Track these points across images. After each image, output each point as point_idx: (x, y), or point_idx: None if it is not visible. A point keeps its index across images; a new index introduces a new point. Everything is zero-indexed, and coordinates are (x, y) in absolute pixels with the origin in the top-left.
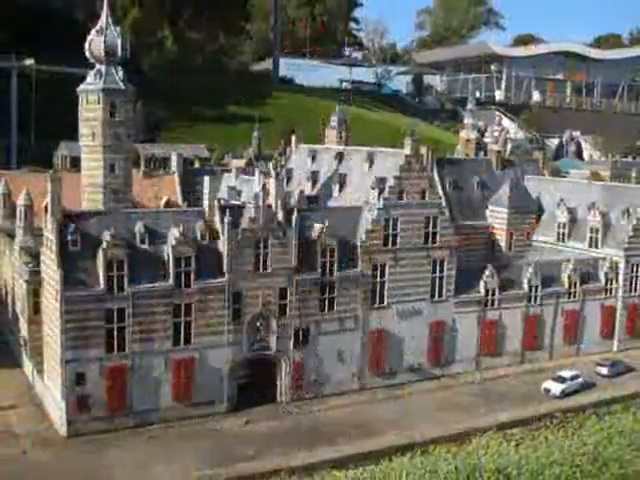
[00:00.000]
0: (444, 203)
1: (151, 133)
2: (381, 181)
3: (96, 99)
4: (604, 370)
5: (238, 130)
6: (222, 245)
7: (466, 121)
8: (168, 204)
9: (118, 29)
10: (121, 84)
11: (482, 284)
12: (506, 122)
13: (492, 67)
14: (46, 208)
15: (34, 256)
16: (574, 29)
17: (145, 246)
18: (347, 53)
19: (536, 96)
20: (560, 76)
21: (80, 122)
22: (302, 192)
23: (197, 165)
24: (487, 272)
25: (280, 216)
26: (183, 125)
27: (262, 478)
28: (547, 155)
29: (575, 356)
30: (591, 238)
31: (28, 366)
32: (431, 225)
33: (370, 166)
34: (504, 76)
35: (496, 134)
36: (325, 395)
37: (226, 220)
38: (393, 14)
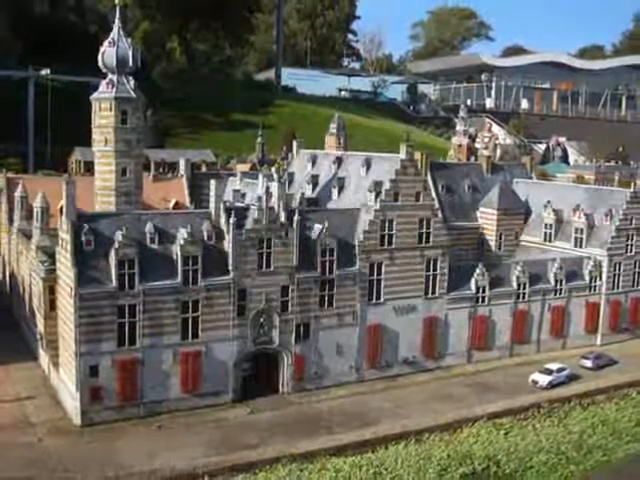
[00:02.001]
0: (437, 205)
1: (160, 139)
2: (378, 184)
3: (108, 107)
4: (588, 363)
5: (242, 136)
6: (227, 245)
7: (458, 128)
8: (176, 206)
9: (129, 41)
10: (132, 93)
11: (473, 282)
12: (496, 128)
13: (482, 77)
14: (61, 210)
15: (50, 255)
16: (560, 41)
17: (155, 246)
18: (345, 63)
19: (524, 104)
20: (547, 85)
21: (93, 129)
22: (303, 195)
23: (204, 169)
24: (478, 270)
25: (282, 217)
26: (190, 131)
27: (265, 465)
28: (534, 159)
29: (561, 349)
30: (576, 238)
31: (44, 359)
32: (425, 226)
33: (367, 170)
34: (494, 85)
35: (486, 140)
36: (325, 386)
37: (231, 221)
38: (389, 27)
